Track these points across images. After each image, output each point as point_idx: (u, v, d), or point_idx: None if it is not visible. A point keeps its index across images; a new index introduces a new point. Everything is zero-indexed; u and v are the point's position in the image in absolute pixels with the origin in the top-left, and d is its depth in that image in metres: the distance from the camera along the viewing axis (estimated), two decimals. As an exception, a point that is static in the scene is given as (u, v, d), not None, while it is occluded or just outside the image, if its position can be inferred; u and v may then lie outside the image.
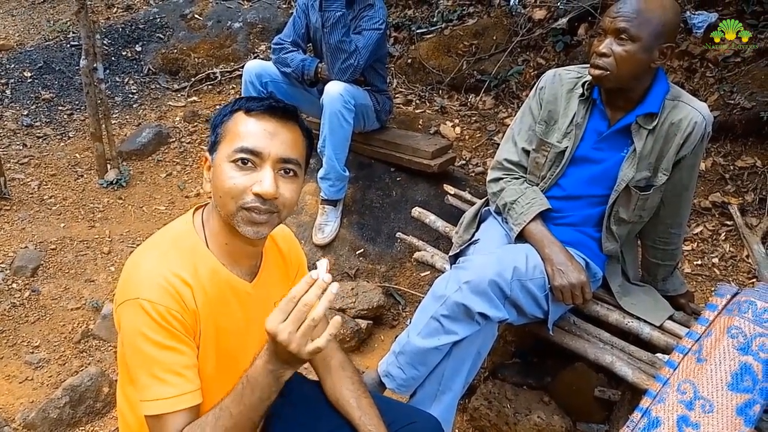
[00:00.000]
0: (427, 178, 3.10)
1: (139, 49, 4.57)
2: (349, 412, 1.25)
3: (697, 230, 2.95)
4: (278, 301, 1.26)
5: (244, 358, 1.18)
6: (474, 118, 3.84)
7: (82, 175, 3.45)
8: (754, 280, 2.65)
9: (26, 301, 2.55)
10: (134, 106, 4.15)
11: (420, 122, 3.73)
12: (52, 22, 4.89)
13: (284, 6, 4.91)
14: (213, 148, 1.10)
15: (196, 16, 4.79)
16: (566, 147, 1.77)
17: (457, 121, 3.81)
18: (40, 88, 4.09)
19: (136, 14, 4.92)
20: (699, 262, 2.82)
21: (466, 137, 3.71)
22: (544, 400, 2.02)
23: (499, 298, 1.62)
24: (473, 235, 1.99)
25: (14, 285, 2.60)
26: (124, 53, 4.52)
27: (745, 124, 3.09)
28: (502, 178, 1.92)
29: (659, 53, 1.60)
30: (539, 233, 1.77)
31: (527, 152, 1.89)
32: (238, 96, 4.05)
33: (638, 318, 1.79)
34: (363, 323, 2.53)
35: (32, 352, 2.34)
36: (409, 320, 2.57)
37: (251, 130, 1.05)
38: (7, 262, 2.70)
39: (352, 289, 2.62)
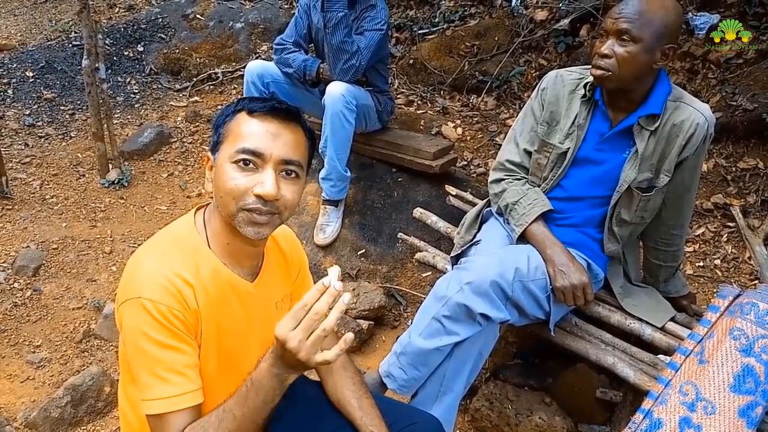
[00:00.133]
0: (429, 179, 3.10)
1: (140, 49, 4.58)
2: (350, 413, 1.25)
3: (699, 232, 2.94)
4: (280, 301, 1.27)
5: (245, 357, 1.18)
6: (476, 119, 3.84)
7: (83, 175, 3.46)
8: (756, 281, 2.65)
9: (28, 300, 2.55)
10: (136, 106, 4.15)
11: (422, 123, 3.73)
12: (54, 21, 4.90)
13: (286, 6, 4.92)
14: (215, 148, 1.10)
15: (198, 16, 4.79)
16: (568, 148, 1.77)
17: (458, 121, 3.81)
18: (42, 88, 4.09)
19: (138, 14, 4.93)
20: (701, 264, 2.82)
21: (468, 138, 3.71)
22: (545, 401, 2.02)
23: (501, 299, 1.62)
24: (475, 236, 1.99)
25: (16, 284, 2.60)
26: (126, 53, 4.52)
27: (747, 126, 3.09)
28: (503, 179, 1.92)
29: (661, 54, 1.60)
30: (541, 234, 1.77)
31: (529, 153, 1.89)
32: (239, 96, 4.05)
33: (640, 319, 1.79)
34: (364, 324, 2.53)
35: (34, 352, 2.34)
36: (410, 321, 2.57)
37: (253, 131, 1.05)
38: (9, 262, 2.70)
39: (354, 289, 2.62)
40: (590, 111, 1.76)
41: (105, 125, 3.32)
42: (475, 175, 3.41)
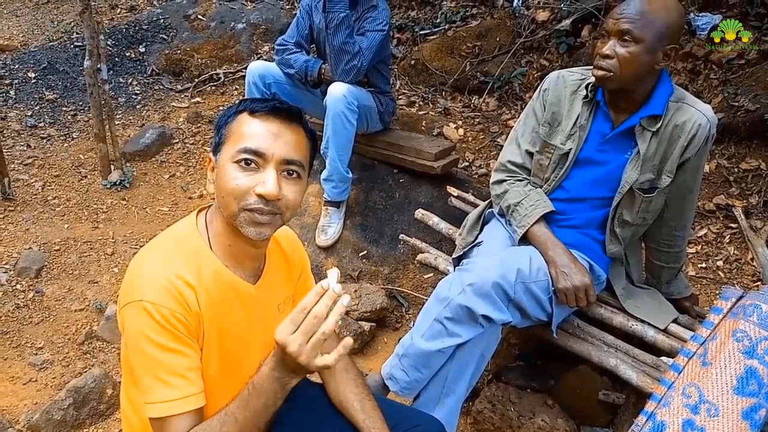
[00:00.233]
0: (431, 180, 3.10)
1: (142, 49, 4.58)
2: (352, 415, 1.25)
3: (702, 233, 2.94)
4: (282, 303, 1.27)
5: (247, 360, 1.18)
6: (477, 120, 3.83)
7: (85, 176, 3.46)
8: (759, 283, 2.65)
9: (30, 302, 2.55)
10: (138, 107, 4.16)
11: (423, 124, 3.72)
12: (56, 22, 4.90)
13: (287, 7, 4.92)
14: (217, 149, 1.10)
15: (200, 17, 4.80)
16: (570, 149, 1.77)
17: (460, 122, 3.81)
18: (44, 89, 4.10)
19: (140, 15, 4.94)
20: (703, 265, 2.81)
21: (470, 139, 3.71)
22: (547, 403, 2.02)
23: (503, 301, 1.62)
24: (477, 237, 1.99)
25: (18, 286, 2.60)
26: (127, 54, 4.53)
27: (750, 127, 3.09)
28: (505, 180, 1.91)
29: (663, 55, 1.59)
30: (543, 235, 1.76)
31: (531, 154, 1.88)
32: (241, 97, 4.05)
33: (642, 321, 1.78)
34: (366, 325, 2.53)
35: (36, 354, 2.34)
36: (412, 322, 2.57)
37: (255, 131, 1.05)
38: (11, 263, 2.70)
39: (355, 291, 2.61)
40: (592, 112, 1.75)
41: (107, 126, 3.33)
42: (476, 176, 3.40)
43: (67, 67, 4.31)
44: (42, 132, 3.77)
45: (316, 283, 1.43)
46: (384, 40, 2.81)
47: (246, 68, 3.11)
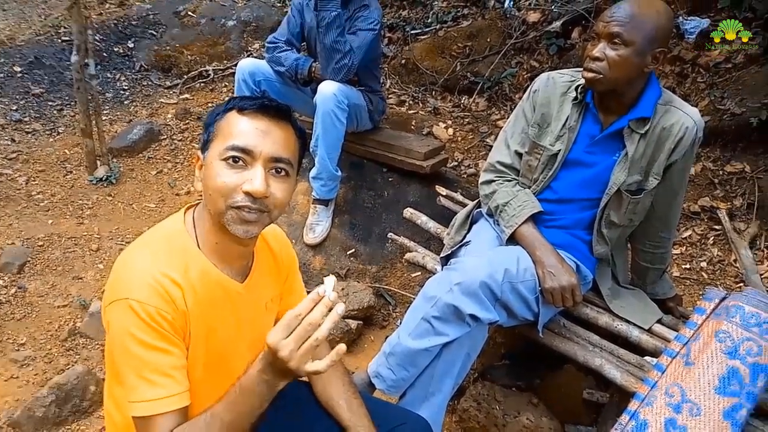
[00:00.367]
0: (420, 179, 3.10)
1: (131, 45, 4.54)
2: (339, 414, 1.25)
3: (686, 234, 2.97)
4: (269, 302, 1.26)
5: (234, 359, 1.17)
6: (467, 120, 3.84)
7: (71, 172, 3.43)
8: (742, 284, 2.68)
9: (12, 297, 2.52)
10: (125, 102, 4.12)
11: (413, 123, 3.73)
12: (43, 17, 4.84)
13: (279, 5, 4.90)
14: (205, 146, 1.09)
15: (190, 13, 4.76)
16: (559, 150, 1.78)
17: (449, 122, 3.82)
18: (30, 83, 4.05)
19: (129, 10, 4.89)
20: (687, 266, 2.84)
21: (459, 139, 3.72)
22: (532, 402, 2.03)
23: (490, 300, 1.62)
24: (465, 237, 1.99)
25: (0, 282, 2.57)
26: (116, 49, 4.49)
27: (735, 130, 3.12)
28: (494, 181, 1.92)
29: (652, 58, 1.60)
30: (530, 236, 1.77)
31: (520, 155, 1.89)
32: (230, 94, 4.03)
33: (627, 321, 1.80)
34: (353, 323, 2.53)
35: (18, 350, 2.31)
36: (399, 321, 2.57)
37: (243, 129, 1.05)
38: (-6, 259, 2.67)
39: (343, 289, 2.61)
40: (581, 113, 1.76)
41: (94, 121, 3.29)
42: (465, 176, 3.41)
43: (54, 61, 4.26)
44: (27, 126, 3.73)
45: (304, 281, 1.44)
46: (375, 40, 2.81)
47: (236, 65, 3.09)
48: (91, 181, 3.34)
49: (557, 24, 3.84)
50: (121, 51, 4.49)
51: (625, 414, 1.55)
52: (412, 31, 4.35)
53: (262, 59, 2.97)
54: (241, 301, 1.17)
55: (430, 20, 4.40)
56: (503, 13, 4.17)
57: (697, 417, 1.43)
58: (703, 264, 2.83)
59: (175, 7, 4.83)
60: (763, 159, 3.05)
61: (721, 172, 3.12)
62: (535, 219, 1.81)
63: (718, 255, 2.85)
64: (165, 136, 3.78)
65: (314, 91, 2.74)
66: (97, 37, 4.38)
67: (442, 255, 2.04)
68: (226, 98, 1.12)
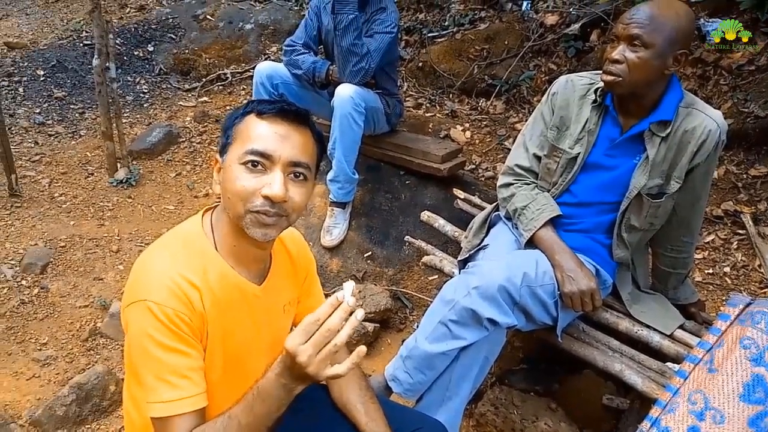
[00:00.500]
0: (437, 182, 3.09)
1: (151, 49, 4.60)
2: (355, 417, 1.24)
3: (709, 239, 2.92)
4: (287, 304, 1.26)
5: (251, 361, 1.17)
6: (484, 123, 3.83)
7: (92, 174, 3.48)
8: (766, 290, 2.63)
9: (35, 298, 2.56)
10: (145, 105, 4.17)
11: (430, 126, 3.72)
12: (65, 21, 4.93)
13: (296, 8, 4.93)
14: (224, 150, 1.10)
15: (208, 16, 4.81)
16: (578, 153, 1.76)
17: (467, 125, 3.81)
18: (52, 87, 4.12)
19: (149, 14, 4.96)
20: (710, 271, 2.79)
21: (477, 141, 3.71)
22: (551, 407, 2.01)
23: (508, 304, 1.61)
24: (482, 240, 1.98)
25: (23, 282, 2.61)
26: (136, 53, 4.55)
27: (759, 133, 3.06)
28: (512, 184, 1.91)
29: (673, 60, 1.58)
30: (549, 239, 1.75)
31: (538, 158, 1.87)
32: (248, 97, 4.06)
33: (648, 326, 1.77)
34: (370, 326, 2.52)
35: (40, 350, 2.35)
36: (416, 324, 2.56)
37: (262, 133, 1.05)
38: (17, 259, 2.71)
39: (360, 291, 2.61)
40: (601, 116, 1.74)
41: (114, 124, 3.34)
42: (483, 179, 3.40)
43: (76, 65, 4.34)
44: (50, 129, 3.79)
45: (322, 284, 1.44)
46: (392, 42, 2.81)
47: (254, 68, 3.11)
48: (112, 183, 3.38)
49: (576, 26, 3.81)
50: (141, 54, 4.56)
51: (646, 421, 1.53)
52: (429, 34, 4.35)
53: (280, 62, 2.99)
54: (259, 304, 1.17)
55: (447, 23, 4.40)
56: (521, 15, 4.16)
57: (721, 425, 1.40)
58: (727, 269, 2.78)
59: (193, 10, 4.88)
60: (788, 162, 2.99)
61: (744, 176, 3.06)
62: (554, 222, 1.79)
63: (742, 260, 2.80)
64: (184, 139, 3.82)
65: (331, 94, 2.74)
66: (117, 41, 4.45)
67: (459, 258, 2.03)
68: (244, 101, 1.13)
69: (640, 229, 1.77)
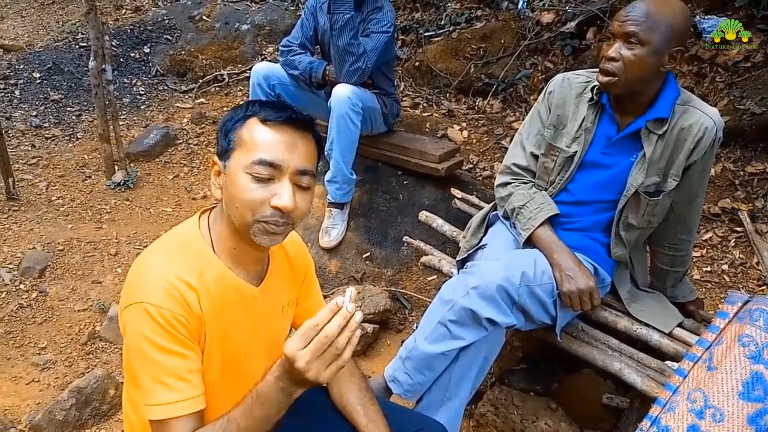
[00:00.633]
0: (435, 182, 3.09)
1: (147, 50, 4.59)
2: (355, 419, 1.24)
3: (707, 236, 2.92)
4: (286, 306, 1.26)
5: (250, 363, 1.17)
6: (481, 122, 3.83)
7: (89, 176, 3.47)
8: (765, 287, 2.63)
9: (33, 302, 2.55)
10: (142, 107, 4.16)
11: (427, 125, 3.72)
12: (61, 23, 4.92)
13: (292, 8, 4.92)
14: (226, 155, 1.07)
15: (204, 17, 4.80)
16: (575, 152, 1.76)
17: (464, 124, 3.81)
18: (48, 89, 4.11)
19: (145, 16, 4.95)
20: (708, 269, 2.80)
21: (474, 141, 3.70)
22: (551, 406, 2.01)
23: (507, 304, 1.61)
24: (481, 240, 1.98)
25: (22, 286, 2.61)
26: (132, 55, 4.54)
27: (756, 130, 3.07)
28: (510, 183, 1.91)
29: (669, 57, 1.58)
30: (547, 238, 1.75)
31: (536, 157, 1.87)
32: (245, 98, 4.06)
33: (647, 325, 1.77)
34: (369, 327, 2.52)
35: (39, 354, 2.34)
36: (415, 325, 2.56)
37: (269, 141, 1.04)
38: (15, 263, 2.71)
39: (359, 293, 2.61)
40: (597, 114, 1.74)
41: (111, 126, 3.33)
42: (480, 178, 3.40)
43: (72, 67, 4.33)
44: (47, 132, 3.78)
45: (320, 285, 1.44)
46: (389, 42, 2.81)
47: (250, 69, 3.11)
48: (109, 185, 3.37)
49: (572, 24, 3.81)
50: (138, 56, 4.55)
51: (646, 420, 1.53)
52: (425, 33, 4.35)
53: (277, 63, 2.99)
54: (257, 305, 1.17)
55: (443, 22, 4.40)
56: (517, 14, 4.16)
57: (721, 423, 1.40)
58: (725, 267, 2.78)
59: (189, 11, 4.87)
60: (785, 159, 3.00)
61: (741, 173, 3.07)
62: (552, 221, 1.79)
63: (740, 257, 2.80)
64: (181, 141, 3.81)
65: (328, 95, 2.74)
66: (113, 43, 4.44)
67: (458, 258, 2.02)
68: (241, 102, 1.12)
69: (638, 228, 1.77)
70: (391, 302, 2.67)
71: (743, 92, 3.15)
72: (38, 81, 4.15)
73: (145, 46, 4.61)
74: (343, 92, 2.64)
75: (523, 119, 2.02)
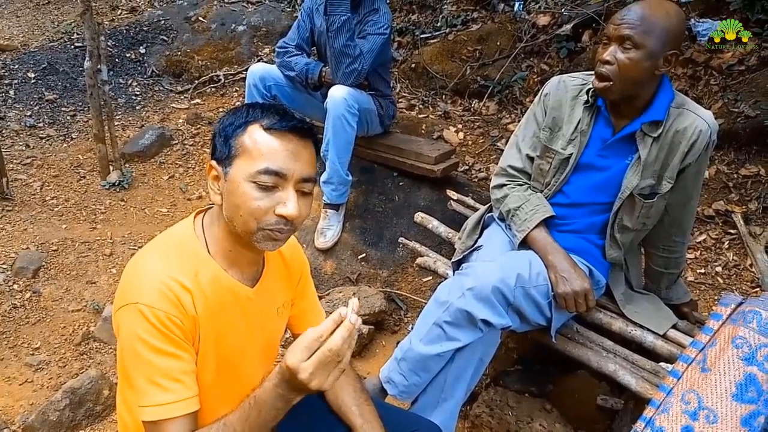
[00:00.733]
0: (430, 183, 3.10)
1: (143, 51, 4.58)
2: (350, 420, 1.24)
3: (701, 238, 2.93)
4: (281, 307, 1.26)
5: (245, 363, 1.17)
6: (477, 124, 3.84)
7: (84, 177, 3.46)
8: (758, 289, 2.64)
9: (27, 302, 2.54)
10: (137, 108, 4.15)
11: (423, 127, 3.72)
12: (56, 23, 4.90)
13: (288, 9, 4.92)
14: (226, 161, 1.06)
15: (201, 18, 4.80)
16: (571, 154, 1.77)
17: (460, 126, 3.81)
18: (43, 89, 4.10)
19: (141, 16, 4.94)
20: (702, 271, 2.81)
21: (469, 142, 3.71)
22: (546, 407, 2.01)
23: (502, 305, 1.61)
24: (476, 242, 1.98)
25: (15, 286, 2.59)
26: (128, 55, 4.53)
27: (749, 133, 3.09)
28: (506, 185, 1.91)
29: (664, 60, 1.59)
30: (543, 240, 1.76)
31: (531, 159, 1.88)
32: (241, 99, 4.06)
33: (641, 326, 1.78)
34: (364, 328, 2.52)
35: (32, 354, 2.33)
36: (411, 326, 2.56)
37: (275, 150, 1.03)
38: (9, 263, 2.69)
39: (354, 294, 2.61)
40: (593, 117, 1.75)
41: (106, 127, 3.32)
42: (476, 180, 3.40)
43: (67, 67, 4.31)
44: (41, 132, 3.77)
45: (315, 286, 1.44)
46: (385, 44, 2.81)
47: (246, 70, 3.11)
48: (104, 186, 3.36)
49: (567, 27, 3.83)
50: (133, 56, 4.53)
51: (640, 421, 1.53)
52: (421, 35, 4.35)
53: (273, 64, 2.99)
54: (252, 306, 1.17)
55: (439, 24, 4.40)
56: (513, 16, 4.17)
57: (714, 424, 1.40)
58: (719, 268, 2.80)
59: (185, 12, 4.87)
60: (779, 162, 3.01)
61: (735, 176, 3.08)
62: (547, 223, 1.79)
63: (733, 259, 2.82)
64: (176, 141, 3.80)
65: (324, 96, 2.74)
66: (109, 43, 4.43)
67: (453, 260, 2.03)
68: (237, 103, 1.12)
69: (633, 230, 1.78)
70: (387, 303, 2.67)
71: (737, 95, 3.17)
72: (33, 81, 4.14)
73: (141, 47, 4.60)
74: (339, 94, 2.64)
75: (518, 121, 2.02)
